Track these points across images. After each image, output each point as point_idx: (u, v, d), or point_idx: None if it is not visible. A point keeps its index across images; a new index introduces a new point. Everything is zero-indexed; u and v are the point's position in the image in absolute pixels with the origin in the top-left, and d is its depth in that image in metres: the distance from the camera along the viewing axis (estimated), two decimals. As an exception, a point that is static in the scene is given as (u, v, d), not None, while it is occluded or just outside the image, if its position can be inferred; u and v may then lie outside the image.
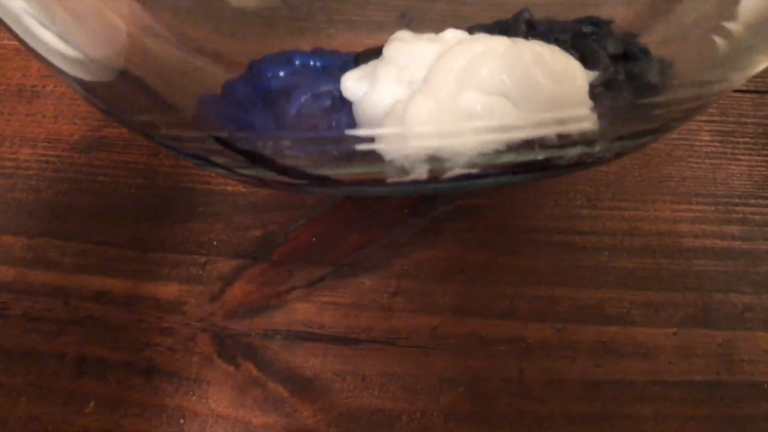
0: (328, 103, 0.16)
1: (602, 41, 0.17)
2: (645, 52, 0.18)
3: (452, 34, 0.16)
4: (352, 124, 0.16)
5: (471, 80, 0.14)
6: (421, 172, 0.16)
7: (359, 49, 0.19)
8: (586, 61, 0.17)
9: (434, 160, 0.15)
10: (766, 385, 0.20)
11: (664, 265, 0.22)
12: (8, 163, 0.25)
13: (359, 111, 0.16)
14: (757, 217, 0.24)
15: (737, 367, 0.21)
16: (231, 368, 0.20)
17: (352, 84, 0.17)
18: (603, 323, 0.21)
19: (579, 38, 0.17)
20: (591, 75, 0.16)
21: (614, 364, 0.21)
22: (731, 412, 0.20)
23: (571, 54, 0.16)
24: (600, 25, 0.18)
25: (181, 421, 0.19)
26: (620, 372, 0.20)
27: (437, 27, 0.20)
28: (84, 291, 0.21)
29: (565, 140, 0.15)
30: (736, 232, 0.23)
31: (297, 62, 0.18)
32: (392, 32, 0.20)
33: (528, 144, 0.15)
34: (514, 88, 0.14)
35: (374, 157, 0.16)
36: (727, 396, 0.20)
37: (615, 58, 0.17)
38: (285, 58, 0.19)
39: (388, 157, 0.15)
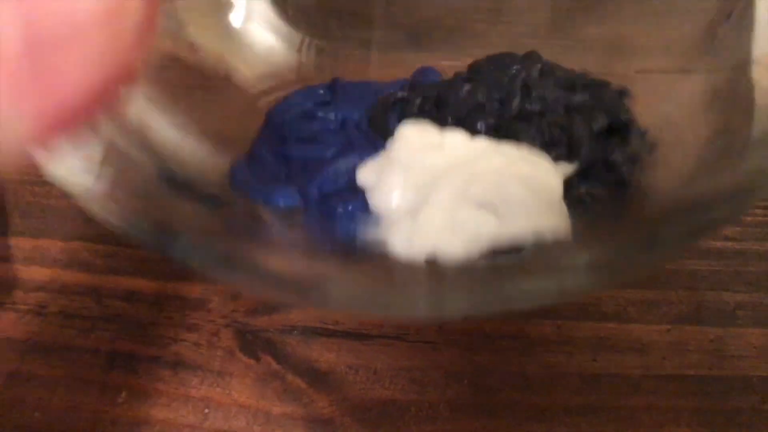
0: (344, 182, 0.19)
1: (593, 114, 0.20)
2: (630, 122, 0.20)
3: (454, 140, 0.19)
4: (365, 209, 0.19)
5: (466, 200, 0.17)
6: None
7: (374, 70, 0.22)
8: (572, 142, 0.20)
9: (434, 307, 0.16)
10: (755, 379, 0.21)
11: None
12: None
13: (372, 200, 0.19)
14: (749, 219, 0.25)
15: (728, 362, 0.22)
16: (252, 361, 0.22)
17: (366, 179, 0.19)
18: (600, 320, 0.23)
19: (569, 115, 0.20)
20: (569, 167, 0.19)
21: (610, 359, 0.22)
22: (721, 404, 0.21)
23: (562, 129, 0.20)
24: (595, 87, 0.20)
25: (206, 410, 0.21)
26: (616, 366, 0.22)
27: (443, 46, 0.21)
28: (115, 290, 0.23)
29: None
30: (728, 233, 0.25)
31: (318, 114, 0.21)
32: (403, 51, 0.22)
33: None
34: (501, 204, 0.17)
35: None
36: (717, 389, 0.21)
37: (599, 134, 0.20)
38: (302, 111, 0.21)
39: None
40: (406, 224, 0.17)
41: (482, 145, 0.19)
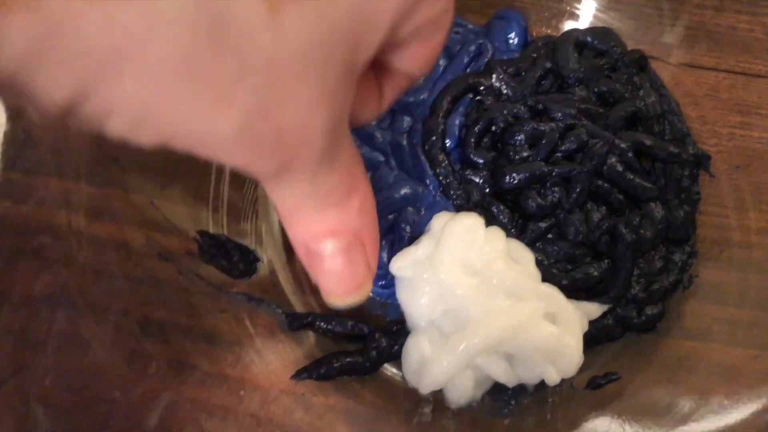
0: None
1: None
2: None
3: (495, 236, 0.19)
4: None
5: (491, 351, 0.18)
6: None
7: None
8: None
9: None
10: None
11: (753, 282, 0.21)
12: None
13: (399, 291, 0.19)
14: None
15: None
16: (293, 343, 0.20)
17: (400, 270, 0.19)
18: (680, 337, 0.20)
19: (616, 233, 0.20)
20: (601, 309, 0.20)
21: (687, 382, 0.20)
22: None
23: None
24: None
25: (242, 392, 0.19)
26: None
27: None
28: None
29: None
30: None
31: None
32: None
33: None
34: (517, 355, 0.18)
35: None
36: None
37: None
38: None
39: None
40: (425, 344, 0.18)
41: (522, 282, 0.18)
